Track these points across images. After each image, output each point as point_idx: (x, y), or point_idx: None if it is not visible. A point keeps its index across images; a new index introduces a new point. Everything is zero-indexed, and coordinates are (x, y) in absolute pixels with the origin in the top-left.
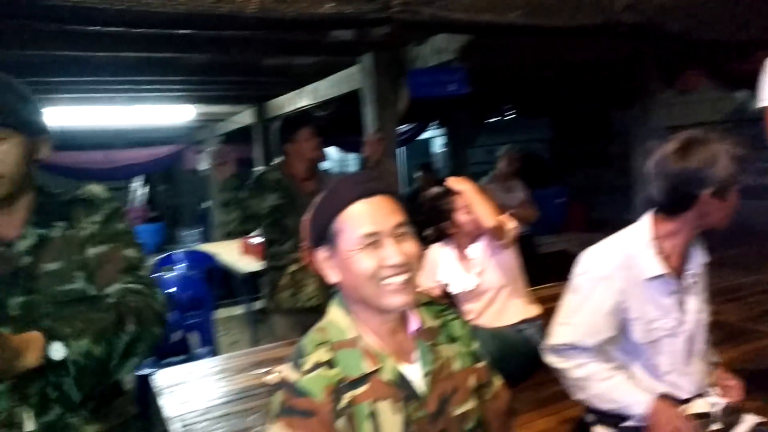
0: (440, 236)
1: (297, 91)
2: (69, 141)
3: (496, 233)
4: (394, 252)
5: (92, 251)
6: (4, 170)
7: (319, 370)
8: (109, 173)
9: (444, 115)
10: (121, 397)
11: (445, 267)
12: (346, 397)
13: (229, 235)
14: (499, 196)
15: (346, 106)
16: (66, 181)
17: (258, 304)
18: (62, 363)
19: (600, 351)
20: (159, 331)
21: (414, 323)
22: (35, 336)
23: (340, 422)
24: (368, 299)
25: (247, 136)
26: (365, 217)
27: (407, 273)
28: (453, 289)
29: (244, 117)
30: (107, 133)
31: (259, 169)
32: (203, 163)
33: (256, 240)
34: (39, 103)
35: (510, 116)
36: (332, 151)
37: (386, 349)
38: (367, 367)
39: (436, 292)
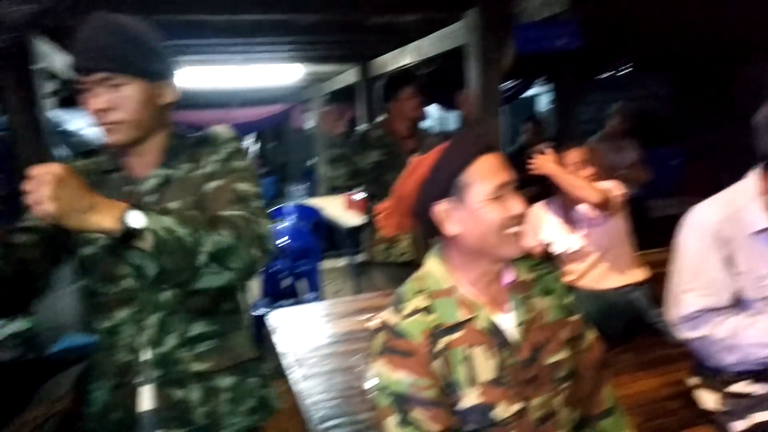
0: (545, 194)
1: (400, 49)
2: (189, 101)
3: (601, 207)
4: (518, 203)
5: (208, 187)
6: (125, 116)
7: (417, 316)
8: None
9: (552, 70)
10: (236, 333)
11: (548, 226)
12: (443, 342)
13: (337, 190)
14: (608, 157)
15: (449, 63)
16: None
17: (360, 257)
18: (142, 234)
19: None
20: (257, 253)
21: (509, 276)
22: (119, 203)
23: (436, 363)
24: (487, 249)
25: (352, 95)
26: (494, 170)
27: (523, 224)
28: (556, 249)
29: (349, 76)
30: (223, 93)
31: (363, 126)
32: (310, 122)
33: (359, 196)
34: (161, 49)
35: (625, 71)
36: (433, 109)
37: (481, 299)
38: (462, 315)
39: (537, 250)
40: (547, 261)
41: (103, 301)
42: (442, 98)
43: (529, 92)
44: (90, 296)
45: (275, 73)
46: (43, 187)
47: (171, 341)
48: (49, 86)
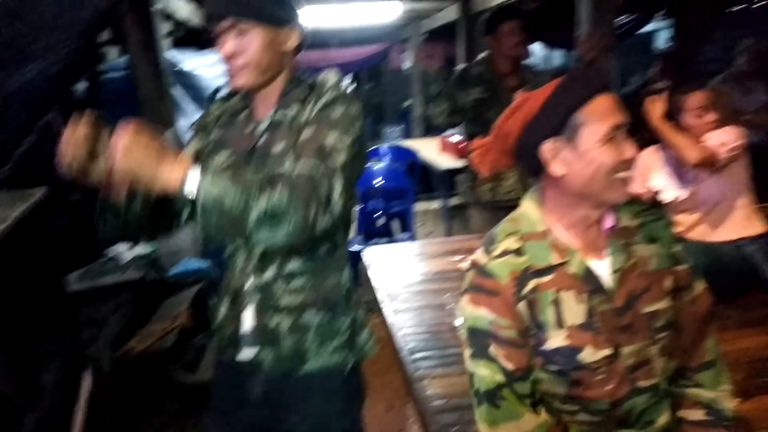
0: (656, 138)
1: None
2: None
3: (702, 166)
4: (630, 146)
5: (304, 134)
6: (248, 60)
7: (507, 257)
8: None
9: (672, 3)
10: (330, 274)
11: (658, 173)
12: (531, 284)
13: (437, 128)
14: (733, 99)
15: None
16: None
17: (453, 200)
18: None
19: None
20: (316, 217)
21: (609, 221)
22: (185, 164)
23: (521, 305)
24: (593, 193)
25: (451, 32)
26: (609, 111)
27: (632, 169)
28: (665, 197)
29: (449, 13)
30: (322, 33)
31: (463, 64)
32: (407, 62)
33: (455, 138)
34: None
35: (758, 4)
36: (537, 47)
37: (575, 244)
38: (555, 259)
39: (646, 197)
40: (655, 207)
41: None
42: (546, 35)
43: (646, 28)
44: None
45: (374, 11)
46: (119, 146)
47: (269, 273)
48: (165, 27)
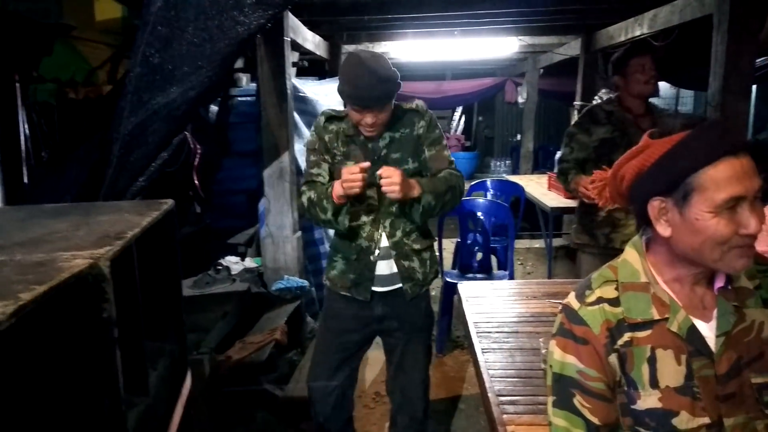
0: None
1: (633, 18)
2: (407, 72)
3: None
4: (753, 222)
5: (426, 153)
6: (381, 122)
7: (603, 305)
8: (439, 102)
9: None
10: (427, 228)
11: None
12: (625, 337)
13: (561, 172)
14: None
15: (687, 35)
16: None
17: (557, 241)
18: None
19: None
20: (459, 201)
21: (720, 280)
22: (415, 184)
23: (613, 358)
24: (703, 261)
25: (568, 68)
26: (731, 179)
27: (753, 241)
28: None
29: (569, 48)
30: (439, 65)
31: (594, 102)
32: (521, 96)
33: None
34: (397, 74)
35: None
36: (664, 87)
37: (680, 301)
38: (655, 314)
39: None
40: None
41: (354, 210)
42: (676, 75)
43: None
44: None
45: (491, 46)
46: (395, 180)
47: (399, 234)
48: (293, 57)
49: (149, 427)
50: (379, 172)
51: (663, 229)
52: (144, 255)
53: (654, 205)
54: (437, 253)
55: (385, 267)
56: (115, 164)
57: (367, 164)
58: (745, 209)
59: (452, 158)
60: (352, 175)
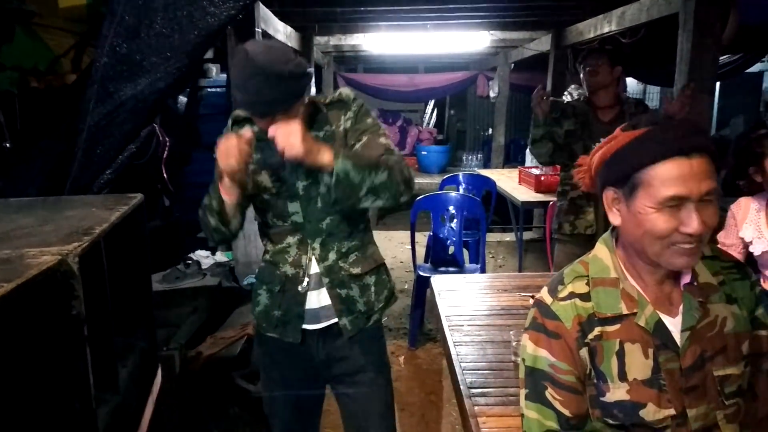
0: (754, 188)
1: (602, 15)
2: (379, 65)
3: None
4: (695, 222)
5: (357, 145)
6: (293, 123)
7: (574, 300)
8: (411, 95)
9: None
10: (370, 245)
11: (749, 223)
12: (595, 331)
13: (544, 165)
14: None
15: (654, 33)
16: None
17: (528, 234)
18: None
19: None
20: (403, 189)
21: (686, 276)
22: (331, 149)
23: (583, 352)
24: (648, 254)
25: (539, 63)
26: (676, 179)
27: (700, 242)
28: (755, 250)
29: (540, 44)
30: (411, 58)
31: (566, 98)
32: (493, 90)
33: (534, 170)
34: (301, 67)
35: None
36: (632, 82)
37: (647, 296)
38: (624, 308)
39: (734, 252)
40: (740, 265)
41: (277, 231)
42: (642, 71)
43: (754, 68)
44: (267, 228)
45: (463, 40)
46: (294, 136)
47: (332, 256)
48: None
49: (120, 424)
50: (270, 131)
51: (614, 218)
52: (113, 250)
53: (608, 195)
54: (386, 276)
55: (316, 299)
56: (80, 156)
57: (249, 134)
58: (689, 209)
59: (393, 147)
60: (227, 141)
